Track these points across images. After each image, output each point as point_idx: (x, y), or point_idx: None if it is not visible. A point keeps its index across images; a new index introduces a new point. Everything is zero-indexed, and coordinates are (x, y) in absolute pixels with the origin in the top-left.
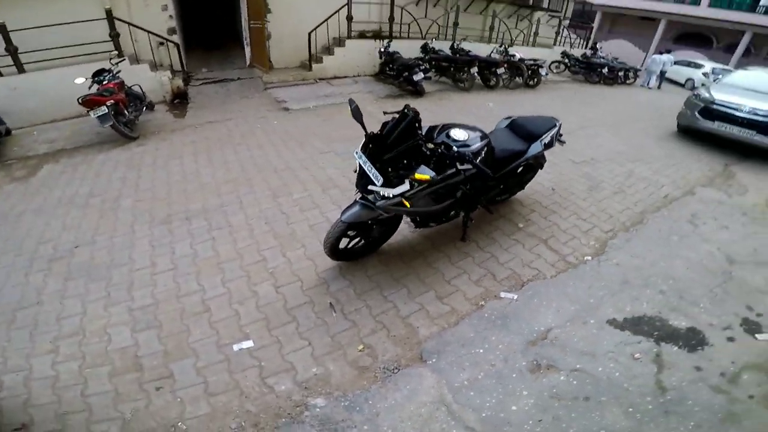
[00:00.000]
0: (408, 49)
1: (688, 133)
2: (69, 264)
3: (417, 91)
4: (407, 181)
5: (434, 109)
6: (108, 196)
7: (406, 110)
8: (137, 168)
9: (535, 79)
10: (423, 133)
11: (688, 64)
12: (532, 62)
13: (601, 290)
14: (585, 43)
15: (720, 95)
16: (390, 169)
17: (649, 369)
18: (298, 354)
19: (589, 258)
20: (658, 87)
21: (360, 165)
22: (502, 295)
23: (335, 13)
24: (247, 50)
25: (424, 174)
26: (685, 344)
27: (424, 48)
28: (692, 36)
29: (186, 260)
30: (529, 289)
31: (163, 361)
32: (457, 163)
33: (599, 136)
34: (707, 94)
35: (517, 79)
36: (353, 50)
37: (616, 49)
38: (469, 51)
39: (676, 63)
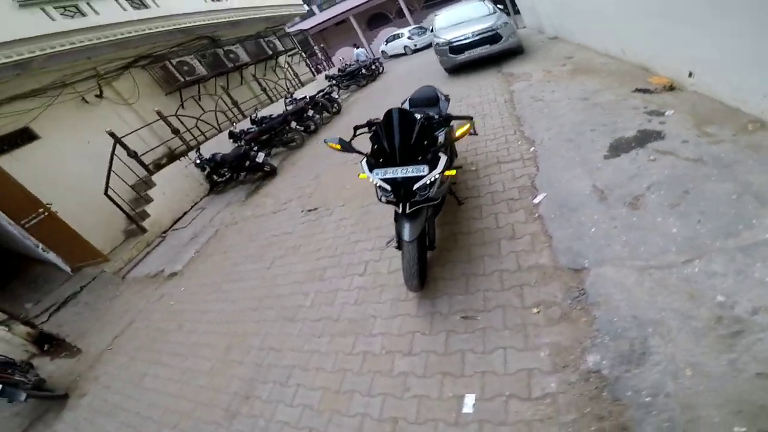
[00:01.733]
0: (218, 145)
1: (453, 71)
2: None
3: (270, 172)
4: (438, 154)
5: (300, 173)
6: None
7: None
8: None
9: (335, 106)
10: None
11: (394, 38)
12: (322, 94)
13: None
14: (323, 65)
15: (449, 35)
16: (419, 157)
17: None
18: None
19: None
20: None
21: (382, 181)
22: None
23: (111, 158)
24: (53, 256)
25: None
26: None
27: (233, 135)
28: (375, 17)
29: None
30: None
31: None
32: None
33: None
34: (443, 39)
35: (324, 114)
36: (168, 182)
37: (343, 57)
38: (271, 114)
39: (387, 41)
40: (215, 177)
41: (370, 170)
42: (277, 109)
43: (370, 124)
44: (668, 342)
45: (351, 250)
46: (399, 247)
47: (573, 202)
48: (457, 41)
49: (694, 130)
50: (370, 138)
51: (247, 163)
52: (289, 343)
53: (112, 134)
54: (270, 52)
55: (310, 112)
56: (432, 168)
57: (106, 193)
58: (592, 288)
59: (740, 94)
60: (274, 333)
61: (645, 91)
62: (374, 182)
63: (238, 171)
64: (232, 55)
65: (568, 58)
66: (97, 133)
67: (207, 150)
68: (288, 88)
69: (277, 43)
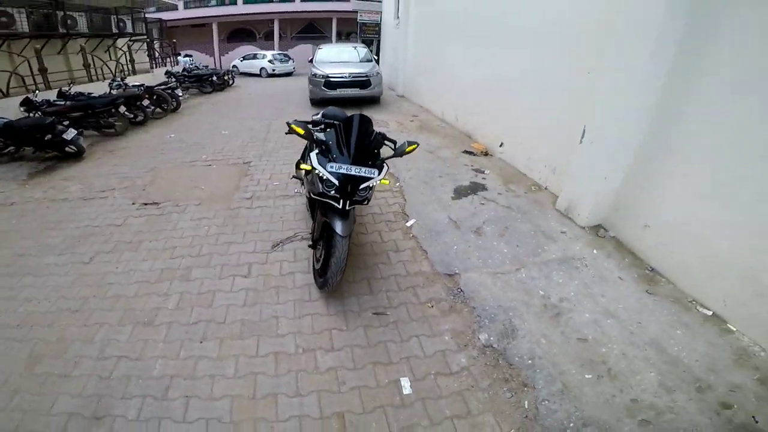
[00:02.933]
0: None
1: (319, 103)
2: None
3: (73, 154)
4: (383, 163)
5: (123, 162)
6: None
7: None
8: None
9: (175, 102)
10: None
11: (254, 56)
12: (164, 87)
13: None
14: (172, 60)
15: (328, 70)
16: (369, 162)
17: None
18: None
19: None
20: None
21: (331, 175)
22: None
23: None
24: None
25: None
26: None
27: (29, 104)
28: (240, 32)
29: None
30: None
31: None
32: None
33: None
34: (322, 72)
35: (158, 108)
36: None
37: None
38: (90, 93)
39: (244, 58)
40: None
41: (322, 164)
42: (96, 89)
43: (315, 122)
44: (524, 321)
45: (224, 251)
46: (313, 246)
47: (437, 227)
48: (334, 78)
49: (503, 187)
50: (317, 139)
51: (48, 136)
52: (154, 351)
53: None
54: (116, 31)
55: (146, 102)
56: (379, 173)
57: None
58: (466, 287)
59: (529, 163)
60: (122, 339)
61: (470, 153)
62: (320, 174)
63: (26, 144)
64: (69, 21)
65: (414, 116)
66: None
67: None
68: (118, 73)
69: (129, 24)
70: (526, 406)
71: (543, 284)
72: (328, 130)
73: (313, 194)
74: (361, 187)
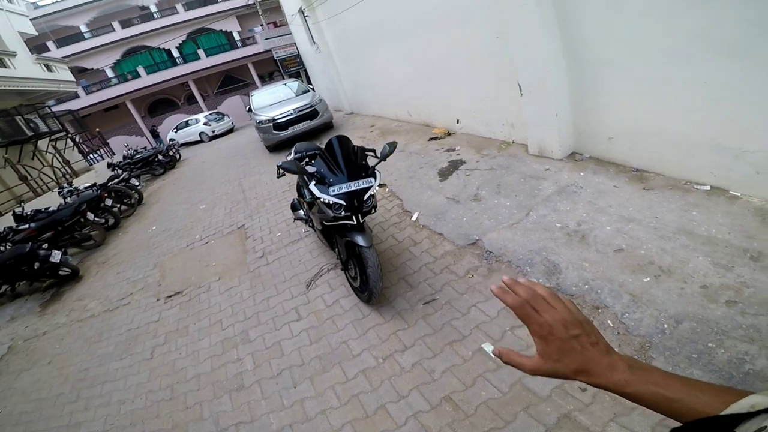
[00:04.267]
0: None
1: (275, 147)
2: None
3: (69, 276)
4: (374, 170)
5: (124, 268)
6: None
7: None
8: None
9: (137, 194)
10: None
11: (186, 124)
12: (117, 180)
13: None
14: (106, 150)
15: (272, 113)
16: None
17: None
18: None
19: None
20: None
21: (336, 198)
22: None
23: None
24: None
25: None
26: None
27: None
28: (160, 102)
29: None
30: None
31: None
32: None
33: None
34: (266, 117)
35: (122, 205)
36: None
37: (128, 143)
38: (48, 208)
39: (178, 128)
40: None
41: (323, 191)
42: (47, 202)
43: (300, 158)
44: (559, 255)
45: (265, 307)
46: (345, 267)
47: (440, 210)
48: (280, 118)
49: (477, 155)
50: (308, 172)
51: (36, 265)
52: (261, 409)
53: None
54: (30, 134)
55: (108, 202)
56: (375, 179)
57: None
58: (492, 247)
59: (489, 128)
60: (227, 408)
61: (435, 138)
62: (328, 201)
63: (18, 279)
64: None
65: (371, 126)
66: None
67: None
68: (58, 178)
69: (40, 123)
70: (612, 324)
71: (555, 217)
72: (313, 161)
73: (326, 222)
74: (366, 197)
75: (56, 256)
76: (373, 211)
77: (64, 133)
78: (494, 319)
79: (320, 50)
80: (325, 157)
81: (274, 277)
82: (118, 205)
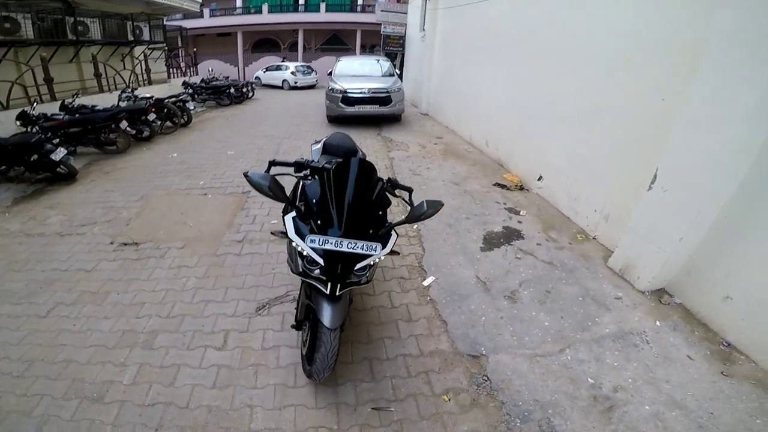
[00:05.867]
0: None
1: (336, 120)
2: None
3: (64, 176)
4: (391, 231)
5: (116, 187)
6: None
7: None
8: None
9: (185, 117)
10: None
11: (276, 68)
12: (175, 99)
13: None
14: (191, 70)
15: (346, 84)
16: (370, 230)
17: None
18: None
19: None
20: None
21: (313, 252)
22: None
23: None
24: None
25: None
26: None
27: (25, 118)
28: (265, 42)
29: None
30: None
31: None
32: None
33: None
34: (339, 87)
35: (167, 122)
36: None
37: (212, 68)
38: (95, 105)
39: (267, 69)
40: None
41: (300, 234)
42: (105, 101)
43: (299, 165)
44: (567, 420)
45: (198, 313)
46: (297, 327)
47: (462, 289)
48: (352, 93)
49: (543, 234)
50: (302, 189)
51: (34, 157)
52: None
53: None
54: (131, 38)
55: (152, 116)
56: (384, 246)
57: None
58: (494, 374)
59: (574, 205)
60: (65, 416)
61: (503, 186)
62: (300, 249)
63: (15, 164)
64: (80, 28)
65: (438, 138)
66: None
67: None
68: (131, 83)
69: (146, 31)
70: None
71: (593, 369)
72: (311, 180)
73: (293, 272)
74: (357, 267)
75: (59, 153)
76: (363, 284)
77: (163, 46)
78: None
79: (425, 39)
80: (329, 182)
81: (233, 277)
82: (160, 122)
